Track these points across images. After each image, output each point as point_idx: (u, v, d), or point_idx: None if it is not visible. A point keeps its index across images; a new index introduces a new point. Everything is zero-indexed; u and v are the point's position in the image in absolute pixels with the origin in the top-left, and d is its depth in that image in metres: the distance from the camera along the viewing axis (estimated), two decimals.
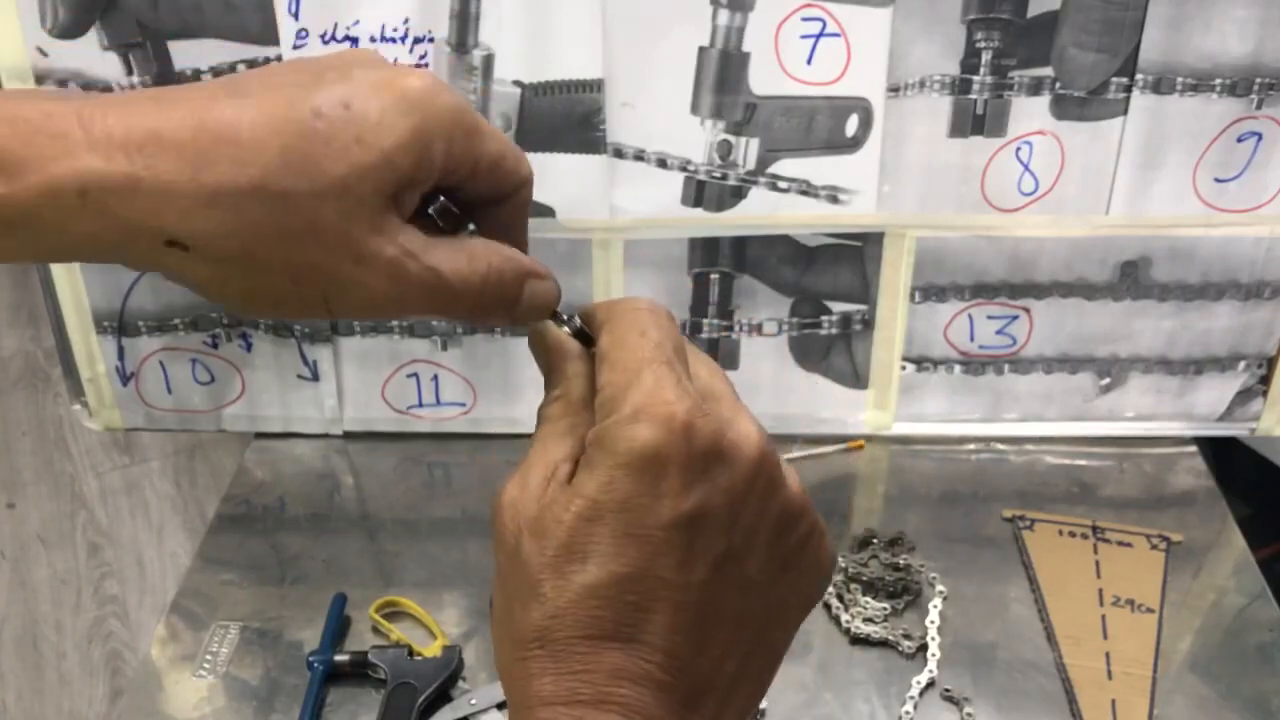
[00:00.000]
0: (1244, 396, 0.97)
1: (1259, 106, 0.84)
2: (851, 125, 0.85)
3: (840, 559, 0.87)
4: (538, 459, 0.39)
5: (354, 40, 0.83)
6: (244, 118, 0.36)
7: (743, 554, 0.38)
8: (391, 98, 0.37)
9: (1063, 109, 0.85)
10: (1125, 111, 0.84)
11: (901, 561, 0.87)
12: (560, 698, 0.36)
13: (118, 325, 0.95)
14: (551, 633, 0.36)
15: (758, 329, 0.95)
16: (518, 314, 0.42)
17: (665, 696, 0.37)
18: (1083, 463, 0.98)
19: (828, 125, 0.85)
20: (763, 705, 0.76)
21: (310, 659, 0.79)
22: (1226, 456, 1.12)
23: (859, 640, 0.82)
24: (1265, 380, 0.96)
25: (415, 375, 0.98)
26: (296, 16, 0.82)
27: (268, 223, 0.37)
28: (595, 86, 0.84)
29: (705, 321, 0.94)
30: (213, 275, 0.38)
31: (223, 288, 0.38)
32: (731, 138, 0.86)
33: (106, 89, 0.84)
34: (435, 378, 0.98)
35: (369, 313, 0.40)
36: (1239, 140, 0.85)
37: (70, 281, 0.92)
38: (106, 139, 0.35)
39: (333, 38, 0.83)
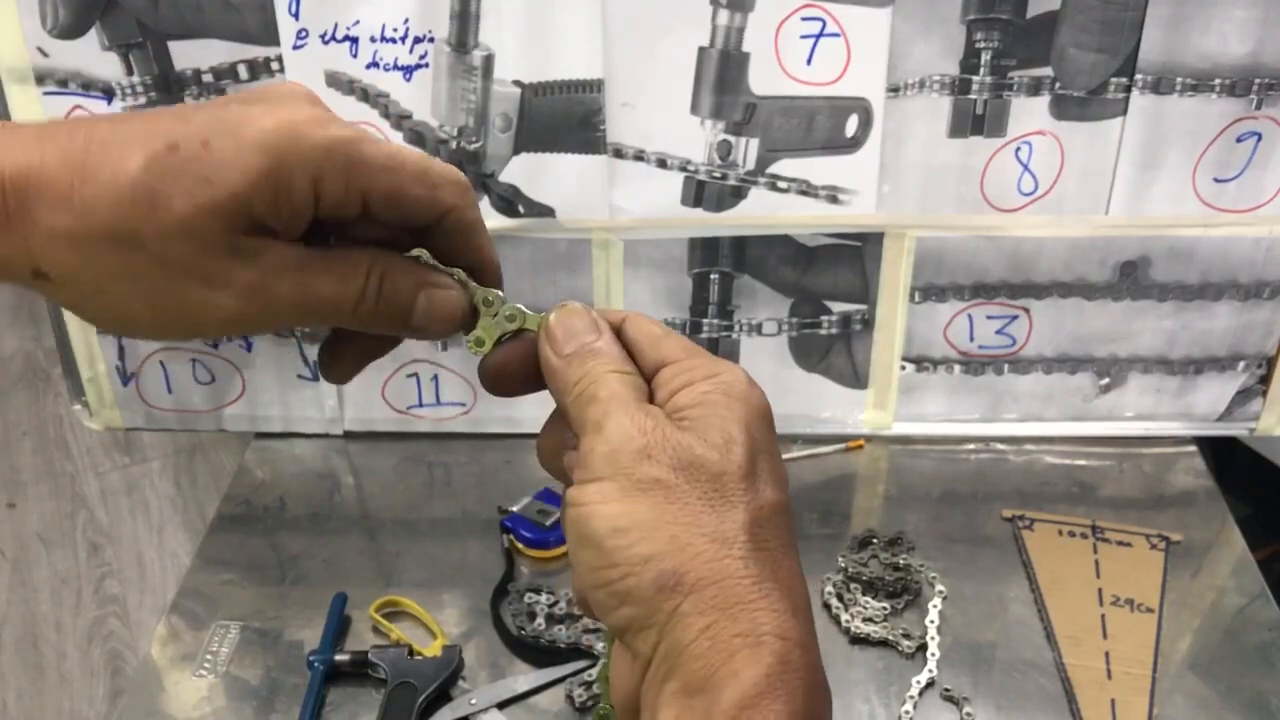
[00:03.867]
0: (1243, 396, 0.97)
1: (1258, 106, 0.84)
2: (851, 125, 0.85)
3: (840, 559, 0.87)
4: (627, 403, 0.41)
5: (354, 40, 0.83)
6: (109, 153, 0.38)
7: None
8: (252, 136, 0.38)
9: (1062, 109, 0.85)
10: (1125, 111, 0.84)
11: (901, 561, 0.87)
12: (788, 606, 0.38)
13: None
14: (760, 539, 0.39)
15: (757, 329, 0.95)
16: (415, 322, 0.44)
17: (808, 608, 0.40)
18: (1082, 463, 0.98)
19: (827, 125, 0.85)
20: None
21: (310, 659, 0.79)
22: (1226, 456, 1.12)
23: (859, 640, 0.82)
24: (1265, 380, 0.96)
25: (415, 375, 0.98)
26: (296, 16, 0.82)
27: (117, 261, 0.38)
28: (595, 86, 0.84)
29: (705, 321, 0.94)
30: (76, 302, 0.40)
31: (88, 313, 0.41)
32: (731, 138, 0.86)
33: (107, 89, 0.84)
34: (435, 378, 0.98)
35: (239, 329, 0.42)
36: (1238, 140, 0.85)
37: None
38: None
39: (333, 38, 0.83)
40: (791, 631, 0.37)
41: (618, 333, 0.44)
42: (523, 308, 0.46)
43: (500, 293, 0.46)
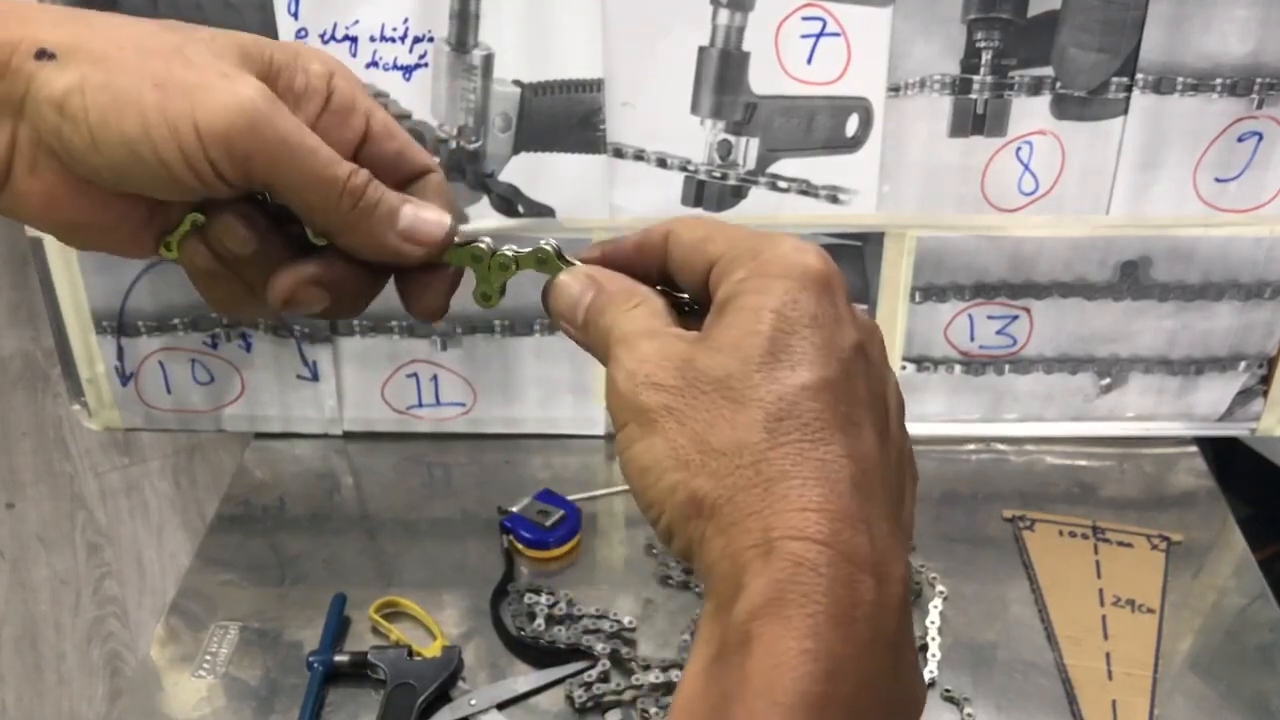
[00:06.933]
0: (1244, 397, 0.97)
1: (1259, 106, 0.84)
2: (851, 125, 0.85)
3: None
4: (628, 337, 0.40)
5: (354, 40, 0.83)
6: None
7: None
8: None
9: (1063, 109, 0.85)
10: (1125, 111, 0.84)
11: None
12: (815, 498, 0.35)
13: (117, 325, 0.95)
14: (781, 433, 0.35)
15: None
16: (401, 224, 0.44)
17: (887, 494, 0.37)
18: (1083, 463, 0.98)
19: (828, 125, 0.85)
20: None
21: (310, 659, 0.79)
22: (1227, 456, 1.12)
23: None
24: (1265, 380, 0.96)
25: (415, 375, 0.98)
26: (296, 16, 0.82)
27: (132, 35, 0.40)
28: (595, 86, 0.84)
29: None
30: (75, 83, 0.39)
31: (84, 99, 0.39)
32: (731, 137, 0.86)
33: None
34: (435, 378, 0.98)
35: (243, 155, 0.40)
36: (1239, 140, 0.85)
37: (70, 281, 0.92)
38: None
39: (332, 37, 0.83)
40: (810, 528, 0.34)
41: (664, 250, 0.43)
42: (514, 248, 0.45)
43: (486, 242, 0.45)
